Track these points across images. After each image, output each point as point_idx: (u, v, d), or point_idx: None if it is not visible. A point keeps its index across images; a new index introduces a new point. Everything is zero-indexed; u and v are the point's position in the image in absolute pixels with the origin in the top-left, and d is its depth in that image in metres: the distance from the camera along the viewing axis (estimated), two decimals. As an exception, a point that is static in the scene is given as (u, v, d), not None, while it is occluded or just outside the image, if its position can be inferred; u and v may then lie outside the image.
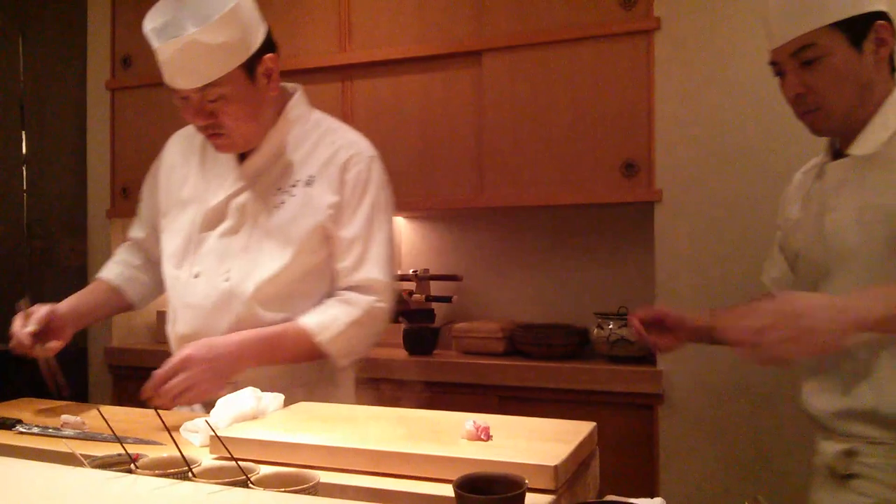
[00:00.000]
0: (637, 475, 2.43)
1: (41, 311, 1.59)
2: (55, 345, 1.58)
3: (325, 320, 1.57)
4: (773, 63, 1.43)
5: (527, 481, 0.91)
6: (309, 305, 1.60)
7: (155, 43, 1.47)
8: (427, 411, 1.33)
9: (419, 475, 1.04)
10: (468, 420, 1.15)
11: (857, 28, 1.36)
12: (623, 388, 2.44)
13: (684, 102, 2.43)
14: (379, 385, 2.60)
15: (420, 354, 2.74)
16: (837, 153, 1.46)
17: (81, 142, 3.36)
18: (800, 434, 2.17)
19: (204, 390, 1.46)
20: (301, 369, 1.62)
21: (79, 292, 1.76)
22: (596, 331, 2.60)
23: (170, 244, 1.68)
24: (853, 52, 1.36)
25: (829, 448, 1.39)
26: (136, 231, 1.84)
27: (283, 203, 1.60)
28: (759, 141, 2.32)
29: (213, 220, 1.63)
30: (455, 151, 2.76)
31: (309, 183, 1.61)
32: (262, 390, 1.38)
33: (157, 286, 1.80)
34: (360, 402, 1.71)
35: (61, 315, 1.63)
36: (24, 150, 3.75)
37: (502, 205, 2.71)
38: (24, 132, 3.78)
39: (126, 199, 3.17)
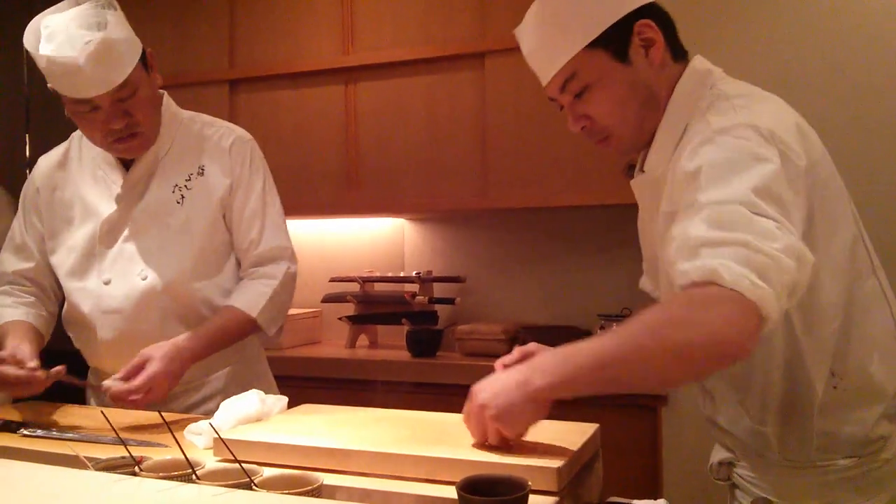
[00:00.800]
0: (641, 477, 2.43)
1: (21, 349, 1.54)
2: (59, 368, 1.54)
3: (251, 297, 1.66)
4: (552, 100, 1.33)
5: (530, 483, 0.91)
6: (218, 281, 1.70)
7: (69, 53, 1.46)
8: (430, 413, 1.34)
9: (422, 477, 1.04)
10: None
11: (616, 39, 1.22)
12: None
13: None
14: (383, 387, 2.62)
15: (423, 356, 2.74)
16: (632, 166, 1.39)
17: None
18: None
19: (163, 390, 1.51)
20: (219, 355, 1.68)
21: (11, 339, 1.61)
22: (599, 332, 2.59)
23: (66, 261, 1.69)
24: (620, 66, 1.23)
25: (714, 456, 1.43)
26: (18, 263, 1.75)
27: (182, 198, 1.67)
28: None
29: (113, 229, 1.66)
30: (458, 153, 2.76)
31: (201, 173, 1.69)
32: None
33: (52, 317, 1.77)
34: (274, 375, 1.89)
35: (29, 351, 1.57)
36: (27, 154, 3.76)
37: (506, 206, 2.72)
38: (27, 135, 3.79)
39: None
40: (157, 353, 1.51)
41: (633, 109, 1.25)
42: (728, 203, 1.02)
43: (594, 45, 1.22)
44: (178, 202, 1.67)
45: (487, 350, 2.72)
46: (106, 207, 1.67)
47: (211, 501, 0.93)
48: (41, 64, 1.50)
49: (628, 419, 2.43)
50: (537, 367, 1.08)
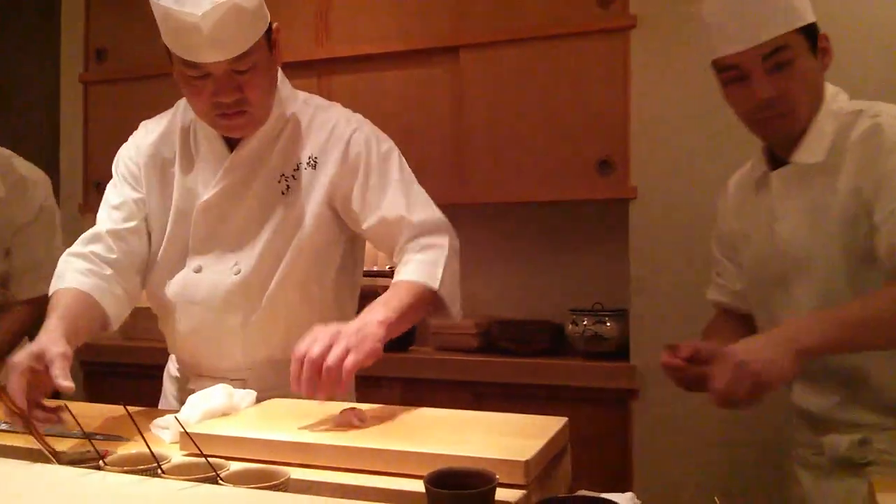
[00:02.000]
0: (611, 470, 2.45)
1: (53, 347, 1.24)
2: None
3: (426, 269, 1.45)
4: (731, 67, 1.40)
5: (497, 476, 0.92)
6: (320, 291, 1.54)
7: (192, 10, 1.31)
8: (400, 407, 1.33)
9: (390, 471, 1.04)
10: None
11: (814, 34, 1.39)
12: (597, 383, 2.46)
13: (659, 101, 2.45)
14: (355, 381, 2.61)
15: (396, 350, 2.74)
16: (776, 161, 1.47)
17: (54, 135, 3.32)
18: (774, 430, 2.19)
19: (365, 355, 1.25)
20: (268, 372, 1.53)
21: (56, 317, 1.36)
22: (571, 327, 2.61)
23: (158, 240, 1.56)
24: (812, 57, 1.39)
25: (839, 440, 1.40)
26: (117, 222, 1.56)
27: (287, 188, 1.52)
28: (733, 139, 2.32)
29: (210, 214, 1.52)
30: (434, 147, 2.75)
31: (312, 165, 1.53)
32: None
33: (130, 299, 1.55)
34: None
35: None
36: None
37: (480, 201, 2.72)
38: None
39: (99, 194, 3.13)
40: (341, 328, 1.26)
41: (814, 97, 1.40)
42: None
43: (804, 30, 1.37)
44: (283, 193, 1.51)
45: (460, 344, 2.73)
46: (204, 189, 1.52)
47: (176, 496, 0.92)
48: (158, 15, 1.36)
49: (600, 413, 2.45)
50: (801, 327, 1.24)
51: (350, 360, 1.21)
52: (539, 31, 2.59)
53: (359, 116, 1.63)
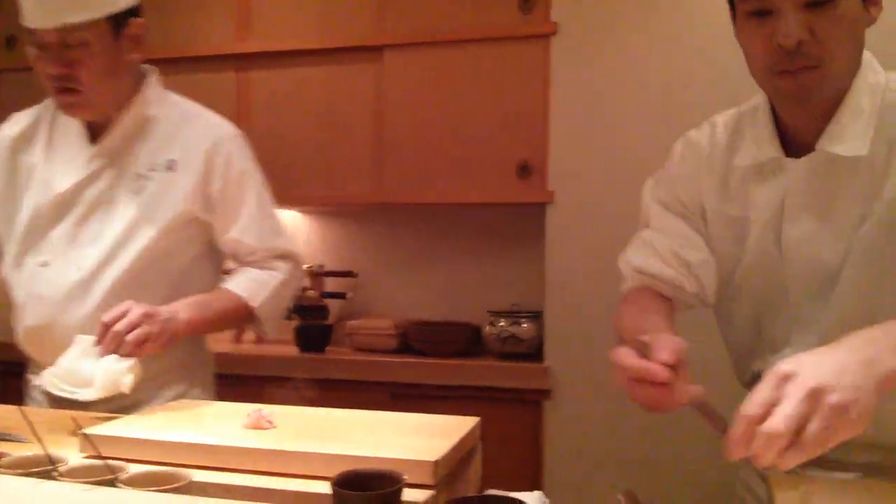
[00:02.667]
0: (523, 470, 2.48)
1: None
2: None
3: (254, 286, 1.58)
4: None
5: (405, 477, 0.91)
6: (167, 291, 1.53)
7: None
8: (311, 408, 1.32)
9: (297, 473, 1.02)
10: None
11: None
12: (512, 384, 2.49)
13: (579, 106, 2.49)
14: (269, 382, 2.57)
15: (312, 351, 2.71)
16: (790, 144, 1.16)
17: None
18: (685, 433, 2.26)
19: (160, 346, 1.38)
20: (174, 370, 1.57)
21: None
22: (488, 328, 2.63)
23: (9, 233, 1.56)
24: (860, 4, 1.07)
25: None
26: None
27: (142, 188, 1.52)
28: (651, 145, 2.39)
29: (62, 207, 1.52)
30: (354, 147, 2.74)
31: (170, 167, 1.54)
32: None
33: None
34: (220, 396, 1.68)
35: None
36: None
37: (400, 201, 2.72)
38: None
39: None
40: (141, 307, 1.36)
41: (856, 50, 1.10)
42: None
43: None
44: (137, 192, 1.51)
45: (377, 345, 2.72)
46: (60, 182, 1.52)
47: (72, 499, 0.88)
48: None
49: (514, 413, 2.47)
50: (883, 345, 0.84)
51: (146, 346, 1.34)
52: (462, 34, 2.61)
53: (229, 129, 1.64)
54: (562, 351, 2.45)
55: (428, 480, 0.99)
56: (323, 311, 2.84)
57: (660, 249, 1.27)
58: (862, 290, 1.09)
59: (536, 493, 1.25)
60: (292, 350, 2.74)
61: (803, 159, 1.13)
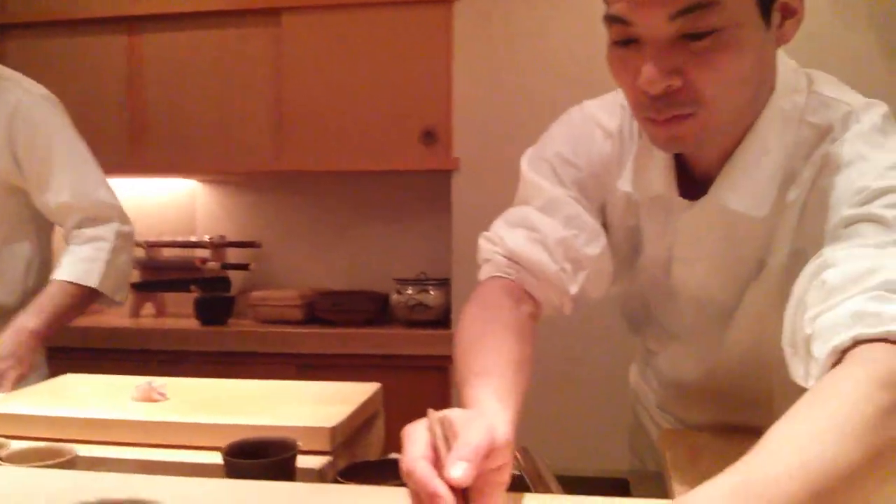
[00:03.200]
0: (431, 436, 2.49)
1: None
2: None
3: (84, 267, 1.55)
4: (619, 20, 0.83)
5: (299, 443, 0.90)
6: None
7: None
8: (206, 380, 1.28)
9: (189, 444, 0.99)
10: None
11: None
12: (420, 351, 2.49)
13: (483, 71, 2.49)
14: (170, 356, 2.50)
15: (214, 324, 2.64)
16: (687, 173, 0.96)
17: None
18: (592, 396, 2.32)
19: (25, 370, 1.41)
20: None
21: None
22: (395, 296, 2.62)
23: None
24: (761, 25, 0.83)
25: None
26: None
27: None
28: (558, 110, 2.40)
29: None
30: (252, 113, 2.66)
31: None
32: None
33: None
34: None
35: None
36: None
37: (301, 169, 2.67)
38: None
39: None
40: None
41: (748, 92, 0.86)
42: None
43: None
44: None
45: (282, 316, 2.67)
46: None
47: (-57, 481, 0.83)
48: None
49: (420, 380, 2.48)
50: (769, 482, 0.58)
51: (11, 380, 1.36)
52: (363, -2, 2.56)
53: (37, 92, 1.61)
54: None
55: (324, 447, 0.98)
56: (224, 282, 2.77)
57: (546, 235, 0.99)
58: (754, 331, 0.99)
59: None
60: (193, 323, 2.66)
61: (695, 207, 0.94)
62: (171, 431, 1.00)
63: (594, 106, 1.07)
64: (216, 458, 0.94)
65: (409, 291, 2.60)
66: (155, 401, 1.11)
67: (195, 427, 0.99)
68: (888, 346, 0.66)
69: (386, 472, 0.93)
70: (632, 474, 1.19)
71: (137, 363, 2.47)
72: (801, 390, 0.88)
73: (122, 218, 1.63)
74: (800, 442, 0.61)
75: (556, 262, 0.98)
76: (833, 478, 0.58)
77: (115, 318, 2.82)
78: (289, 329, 2.60)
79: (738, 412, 1.11)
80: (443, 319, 2.58)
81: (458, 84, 2.50)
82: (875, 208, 0.79)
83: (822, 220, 0.84)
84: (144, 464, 0.95)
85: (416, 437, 0.72)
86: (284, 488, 0.82)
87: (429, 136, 2.54)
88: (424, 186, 2.83)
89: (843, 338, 0.68)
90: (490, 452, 0.68)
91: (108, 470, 0.95)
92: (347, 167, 2.63)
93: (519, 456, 1.08)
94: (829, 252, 0.78)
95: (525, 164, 1.10)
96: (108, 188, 1.64)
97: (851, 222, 0.80)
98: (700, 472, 0.97)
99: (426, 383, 2.49)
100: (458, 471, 0.65)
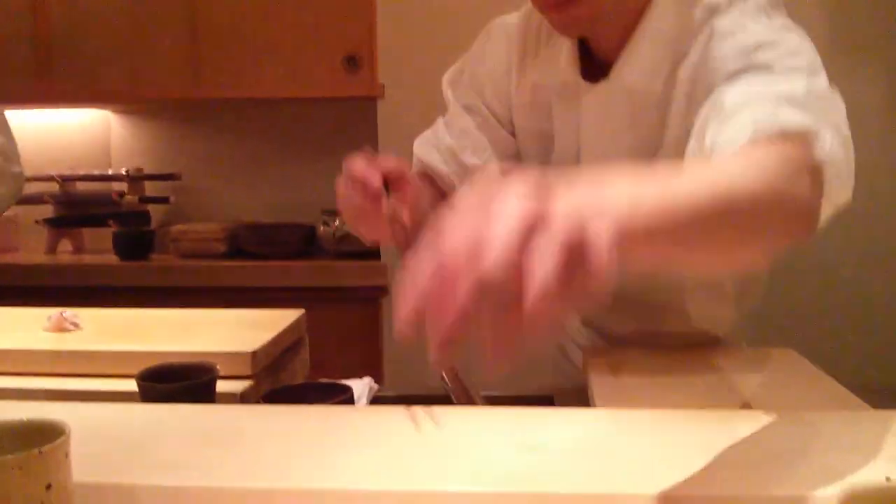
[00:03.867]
0: (361, 364, 2.49)
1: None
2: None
3: None
4: None
5: (218, 367, 0.88)
6: None
7: None
8: (122, 309, 1.24)
9: (105, 373, 0.96)
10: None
11: None
12: (349, 282, 2.47)
13: (405, -4, 2.42)
14: (88, 293, 2.42)
15: (134, 259, 2.56)
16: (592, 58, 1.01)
17: None
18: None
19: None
20: None
21: None
22: (322, 228, 2.59)
23: None
24: None
25: None
26: None
27: None
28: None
29: None
30: (167, 37, 2.53)
31: None
32: None
33: None
34: None
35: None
36: None
37: (220, 97, 2.57)
38: None
39: None
40: None
41: None
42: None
43: None
44: None
45: (205, 250, 2.60)
46: None
47: None
48: None
49: (351, 311, 2.47)
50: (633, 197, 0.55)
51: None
52: (281, -85, 2.44)
53: None
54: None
55: (245, 372, 0.96)
56: (144, 216, 2.68)
57: (442, 144, 1.14)
58: None
59: (366, 379, 1.25)
60: (112, 259, 2.58)
61: (598, 87, 0.98)
62: (83, 360, 0.96)
63: (511, 16, 1.11)
64: (132, 387, 0.91)
65: (337, 223, 2.57)
66: (67, 330, 1.07)
67: (109, 355, 0.96)
68: (785, 139, 0.72)
69: (309, 396, 0.92)
70: (556, 390, 1.22)
71: (55, 301, 2.40)
72: (713, 292, 1.06)
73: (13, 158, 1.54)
74: (708, 171, 0.67)
75: (448, 166, 1.12)
76: (735, 200, 0.61)
77: (31, 254, 2.72)
78: (212, 263, 2.54)
79: (655, 318, 1.14)
80: (373, 251, 2.56)
81: (382, 6, 2.43)
82: (757, 58, 0.83)
83: (709, 86, 0.86)
84: (56, 393, 0.92)
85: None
86: (201, 410, 0.81)
87: (352, 62, 2.47)
88: (349, 114, 2.76)
89: (743, 140, 0.72)
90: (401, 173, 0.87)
91: (21, 400, 0.92)
92: (267, 94, 2.54)
93: (446, 377, 1.09)
94: (723, 88, 0.82)
95: (444, 81, 1.20)
96: None
97: (737, 74, 0.84)
98: (621, 386, 1.00)
99: (356, 315, 2.48)
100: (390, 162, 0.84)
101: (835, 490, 0.53)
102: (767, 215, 0.64)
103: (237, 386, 0.94)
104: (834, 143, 0.73)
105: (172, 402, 0.82)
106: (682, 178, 0.61)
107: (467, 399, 1.01)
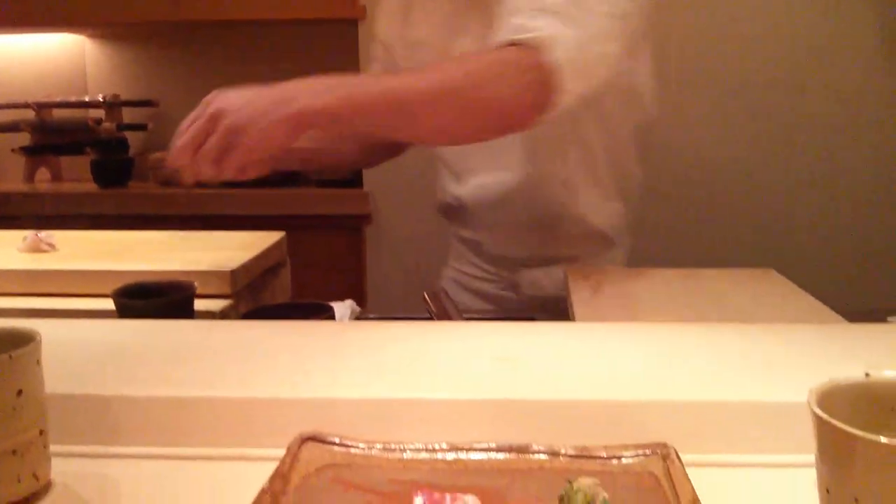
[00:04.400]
0: (344, 289, 2.50)
1: None
2: None
3: None
4: None
5: (196, 285, 0.87)
6: None
7: None
8: (99, 231, 1.22)
9: (81, 292, 0.95)
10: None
11: None
12: (332, 210, 2.46)
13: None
14: (66, 221, 2.39)
15: (112, 187, 2.53)
16: None
17: None
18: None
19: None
20: None
21: None
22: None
23: None
24: None
25: (539, 277, 1.25)
26: None
27: None
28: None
29: None
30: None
31: None
32: None
33: None
34: None
35: None
36: None
37: (199, 19, 2.50)
38: None
39: None
40: None
41: None
42: None
43: None
44: None
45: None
46: None
47: None
48: None
49: (335, 239, 2.46)
50: (307, 87, 0.87)
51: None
52: None
53: None
54: (381, 176, 2.42)
55: (225, 290, 0.95)
56: (121, 143, 2.63)
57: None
58: None
59: (348, 302, 1.25)
60: (91, 187, 2.54)
61: None
62: (58, 279, 0.95)
63: None
64: (109, 306, 0.90)
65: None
66: (43, 251, 1.05)
67: (84, 274, 0.95)
68: (522, 45, 0.88)
69: (290, 315, 0.91)
70: (537, 311, 1.22)
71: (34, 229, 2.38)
72: (600, 190, 1.21)
73: None
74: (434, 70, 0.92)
75: None
76: (433, 91, 0.87)
77: (9, 183, 2.68)
78: (191, 190, 2.51)
79: (555, 224, 1.22)
80: (355, 178, 2.54)
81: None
82: None
83: None
84: (31, 312, 0.91)
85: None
86: (178, 325, 0.80)
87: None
88: (331, 37, 2.70)
89: (492, 45, 0.91)
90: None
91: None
92: (248, 15, 2.47)
93: (428, 298, 1.09)
94: None
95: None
96: None
97: None
98: (602, 303, 1.00)
99: (339, 242, 2.47)
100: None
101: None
102: (465, 103, 0.88)
103: (216, 305, 0.93)
104: (569, 46, 0.88)
105: (149, 319, 0.81)
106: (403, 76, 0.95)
107: (449, 320, 1.02)
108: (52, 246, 1.07)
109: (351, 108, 0.87)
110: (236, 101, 0.83)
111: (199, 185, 0.86)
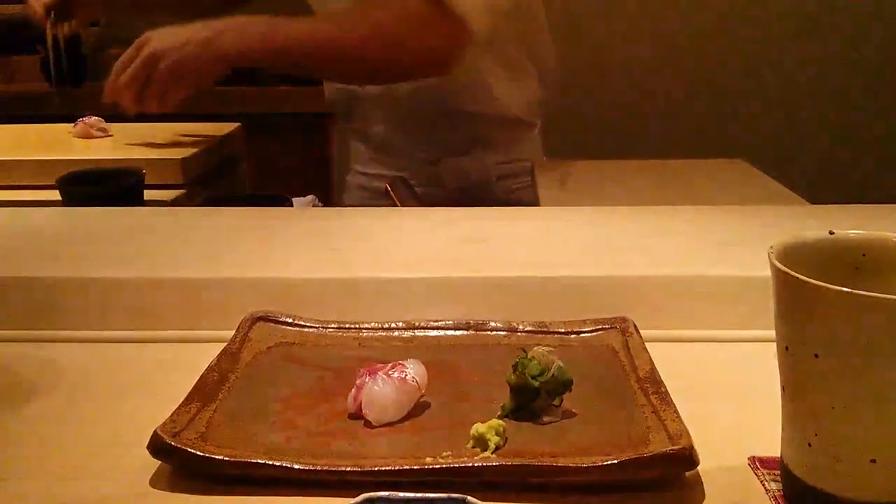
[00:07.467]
0: (312, 186, 2.46)
1: None
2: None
3: None
4: None
5: (144, 171, 0.83)
6: None
7: None
8: (41, 124, 1.17)
9: (28, 183, 0.91)
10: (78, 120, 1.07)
11: None
12: (297, 108, 2.39)
13: None
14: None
15: (67, 86, 2.42)
16: None
17: None
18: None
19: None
20: None
21: None
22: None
23: None
24: None
25: (461, 164, 1.21)
26: None
27: None
28: None
29: None
30: None
31: None
32: None
33: None
34: None
35: None
36: None
37: None
38: None
39: None
40: None
41: None
42: None
43: None
44: None
45: (144, 76, 2.48)
46: None
47: None
48: None
49: (302, 137, 2.41)
50: (235, 29, 0.91)
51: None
52: None
53: None
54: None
55: (176, 180, 0.91)
56: (74, 40, 2.51)
57: None
58: None
59: (309, 197, 1.22)
60: (44, 87, 2.44)
61: None
62: (2, 171, 0.91)
63: None
64: (56, 196, 0.87)
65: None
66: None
67: (28, 164, 0.91)
68: None
69: (246, 206, 0.88)
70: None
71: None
72: (513, 72, 1.15)
73: None
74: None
75: None
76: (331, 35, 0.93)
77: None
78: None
79: (462, 100, 1.13)
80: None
81: None
82: None
83: None
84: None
85: None
86: (126, 212, 0.76)
87: None
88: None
89: None
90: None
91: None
92: None
93: (388, 187, 1.07)
94: None
95: None
96: None
97: None
98: (568, 195, 0.98)
99: (303, 141, 2.42)
100: None
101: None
102: (367, 45, 0.93)
103: (168, 195, 0.90)
104: None
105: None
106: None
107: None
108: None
109: (274, 51, 0.93)
110: (169, 43, 0.89)
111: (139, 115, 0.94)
